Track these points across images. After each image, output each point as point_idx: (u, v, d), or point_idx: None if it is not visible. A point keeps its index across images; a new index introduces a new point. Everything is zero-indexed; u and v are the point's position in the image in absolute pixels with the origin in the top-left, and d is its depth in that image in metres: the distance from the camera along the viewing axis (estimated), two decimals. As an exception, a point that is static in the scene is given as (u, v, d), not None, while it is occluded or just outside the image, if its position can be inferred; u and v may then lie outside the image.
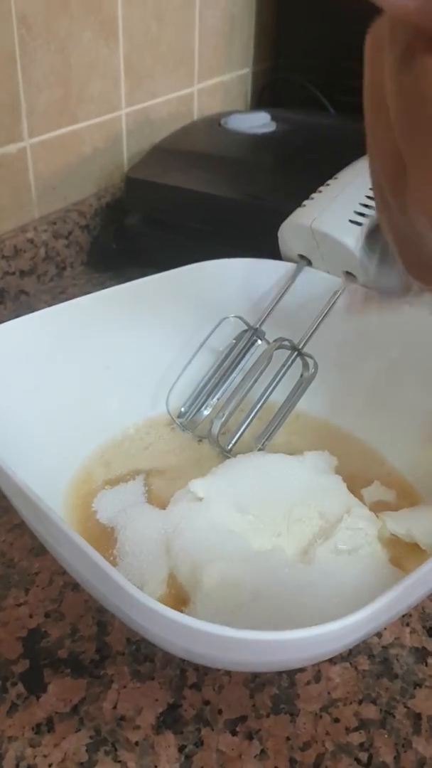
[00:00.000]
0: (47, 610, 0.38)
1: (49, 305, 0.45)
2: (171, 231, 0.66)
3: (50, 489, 0.40)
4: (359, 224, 0.45)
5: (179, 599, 0.35)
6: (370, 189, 0.45)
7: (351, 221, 0.44)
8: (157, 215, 0.67)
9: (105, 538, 0.39)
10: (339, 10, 0.83)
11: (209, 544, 0.35)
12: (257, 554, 0.35)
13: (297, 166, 0.65)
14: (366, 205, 0.45)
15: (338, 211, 0.45)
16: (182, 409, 0.48)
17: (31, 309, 0.44)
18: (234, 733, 0.33)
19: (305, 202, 0.47)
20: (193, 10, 0.79)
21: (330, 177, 0.48)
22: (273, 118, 0.73)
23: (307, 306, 0.48)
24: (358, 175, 0.46)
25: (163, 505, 0.40)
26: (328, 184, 0.47)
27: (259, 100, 0.93)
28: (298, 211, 0.47)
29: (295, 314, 0.49)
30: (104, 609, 0.37)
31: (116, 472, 0.44)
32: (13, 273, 0.63)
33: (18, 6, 0.59)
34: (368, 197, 0.45)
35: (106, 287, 0.47)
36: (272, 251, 0.50)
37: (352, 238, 0.44)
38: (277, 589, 0.33)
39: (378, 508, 0.40)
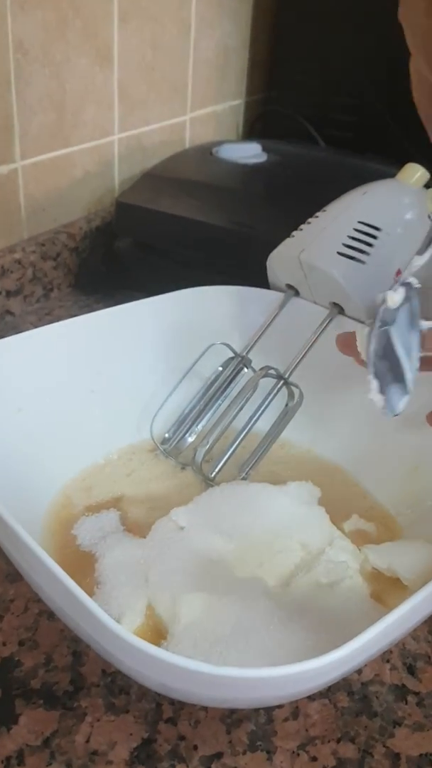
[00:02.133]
0: (21, 638, 0.37)
1: (35, 326, 0.44)
2: (160, 256, 0.66)
3: (29, 513, 0.40)
4: (347, 256, 0.45)
5: (157, 631, 0.34)
6: (359, 222, 0.46)
7: (339, 253, 0.45)
8: (147, 240, 0.67)
9: (84, 565, 0.38)
10: (332, 46, 0.85)
11: (189, 575, 0.35)
12: (238, 585, 0.35)
13: (286, 197, 0.66)
14: (354, 238, 0.45)
15: (326, 242, 0.45)
16: (166, 435, 0.47)
17: (17, 330, 0.44)
18: (209, 771, 0.32)
19: (294, 233, 0.47)
20: (189, 40, 0.80)
21: (319, 209, 0.49)
22: (264, 149, 0.74)
23: (294, 336, 0.48)
24: (347, 208, 0.47)
25: (143, 533, 0.39)
26: (317, 216, 0.47)
27: (251, 131, 0.94)
28: (287, 242, 0.47)
29: (282, 343, 0.49)
30: (80, 638, 0.36)
31: (98, 497, 0.43)
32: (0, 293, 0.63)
33: (15, 31, 0.59)
34: (356, 230, 0.45)
35: (93, 310, 0.47)
36: (260, 280, 0.50)
37: (340, 270, 0.44)
38: (257, 623, 0.32)
39: (359, 541, 0.39)
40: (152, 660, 0.25)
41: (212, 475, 0.44)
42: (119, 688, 0.35)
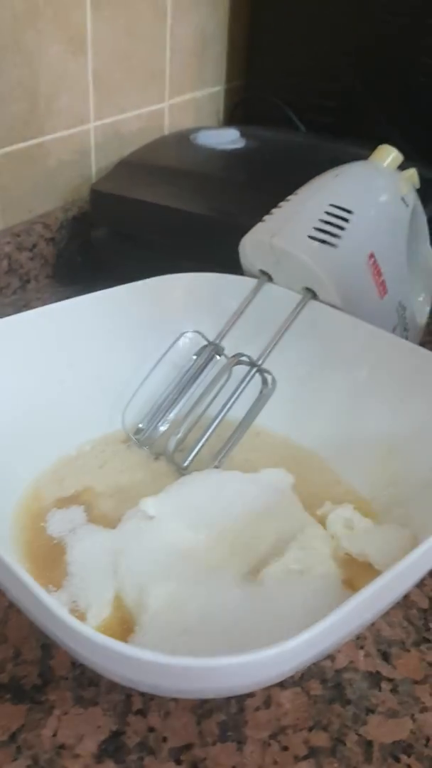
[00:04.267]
0: (-10, 632, 0.37)
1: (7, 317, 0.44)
2: (137, 245, 0.65)
3: (-1, 506, 0.39)
4: (319, 240, 0.44)
5: (125, 622, 0.33)
6: (330, 205, 0.45)
7: (310, 237, 0.44)
8: (123, 229, 0.66)
9: (53, 557, 0.38)
10: (312, 31, 0.84)
11: (158, 565, 0.34)
12: (207, 574, 0.34)
13: (264, 183, 0.65)
14: (326, 221, 0.45)
15: (297, 226, 0.44)
16: (139, 425, 0.47)
17: (-7, 322, 0.43)
18: (178, 762, 0.32)
19: (265, 217, 0.47)
20: (165, 26, 0.79)
21: (293, 192, 0.48)
22: (242, 135, 0.73)
23: (267, 322, 0.48)
24: (318, 191, 0.46)
25: (114, 525, 0.39)
26: (288, 200, 0.47)
27: (231, 118, 0.93)
28: (258, 227, 0.47)
29: (256, 330, 0.48)
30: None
31: (69, 489, 0.43)
32: (-26, 285, 0.62)
33: (-17, 17, 0.58)
34: (327, 213, 0.45)
35: (66, 300, 0.46)
36: (237, 267, 0.50)
37: (311, 254, 0.44)
38: (226, 611, 0.32)
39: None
40: (113, 654, 0.25)
41: (185, 464, 0.43)
42: (88, 681, 0.35)
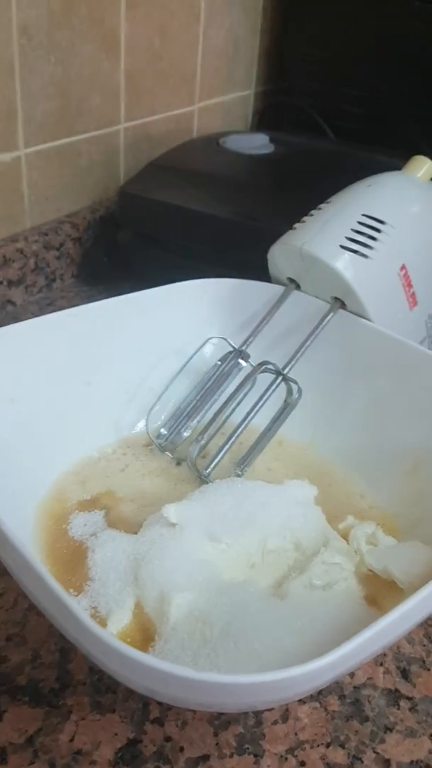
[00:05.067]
0: (9, 633, 0.37)
1: (36, 317, 0.44)
2: (163, 248, 0.65)
3: (21, 506, 0.39)
4: (350, 250, 0.44)
5: (145, 630, 0.33)
6: (362, 215, 0.45)
7: (342, 246, 0.44)
8: (150, 231, 0.66)
9: (75, 561, 0.38)
10: (343, 36, 0.84)
11: (179, 574, 0.34)
12: (228, 586, 0.34)
13: (292, 189, 0.65)
14: (358, 231, 0.44)
15: (329, 235, 0.44)
16: (162, 430, 0.46)
17: (18, 319, 0.43)
18: (195, 774, 0.32)
19: (296, 225, 0.46)
20: (198, 28, 0.79)
21: (325, 201, 0.48)
22: (272, 140, 0.73)
23: (294, 330, 0.47)
24: (351, 200, 0.46)
25: (135, 530, 0.39)
26: (320, 208, 0.46)
27: (260, 122, 0.93)
28: (289, 234, 0.46)
29: (282, 338, 0.48)
30: (68, 635, 0.35)
31: (91, 492, 0.42)
32: (1, 282, 0.62)
33: (19, 16, 0.58)
34: (360, 223, 0.44)
35: (95, 301, 0.46)
36: (263, 273, 0.50)
37: (342, 263, 0.43)
38: (248, 625, 0.31)
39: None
40: (136, 664, 0.25)
41: (207, 471, 0.43)
42: (106, 687, 0.34)
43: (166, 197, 0.64)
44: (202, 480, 0.43)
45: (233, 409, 0.45)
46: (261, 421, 0.45)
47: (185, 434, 0.45)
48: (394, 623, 0.26)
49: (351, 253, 0.44)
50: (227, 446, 0.43)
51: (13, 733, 0.32)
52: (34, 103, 0.62)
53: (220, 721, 0.33)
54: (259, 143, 0.72)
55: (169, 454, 0.45)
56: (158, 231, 0.65)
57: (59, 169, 0.67)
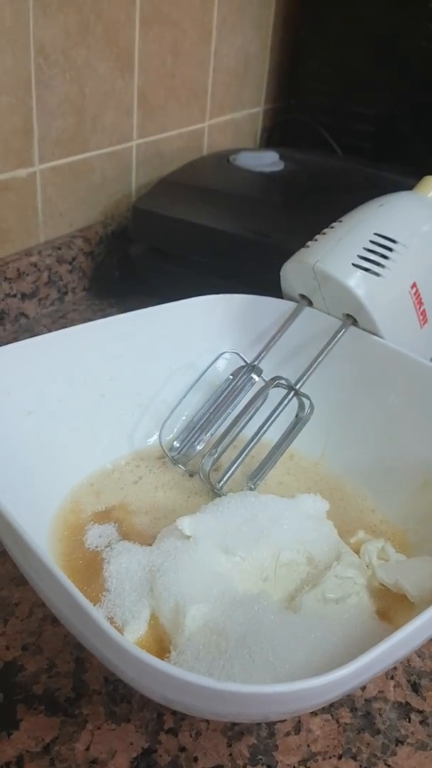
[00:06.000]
0: (25, 642, 0.37)
1: (49, 329, 0.45)
2: (174, 263, 0.66)
3: (37, 517, 0.40)
4: (362, 268, 0.45)
5: (160, 641, 0.34)
6: (374, 234, 0.46)
7: (354, 264, 0.45)
8: (162, 246, 0.67)
9: (90, 571, 0.38)
10: (353, 55, 0.85)
11: (194, 586, 0.34)
12: (243, 599, 0.34)
13: (303, 206, 0.66)
14: (370, 250, 0.45)
15: (342, 253, 0.45)
16: (175, 443, 0.47)
17: (30, 332, 0.44)
18: (209, 784, 0.32)
19: (309, 243, 0.47)
20: (209, 46, 0.80)
21: (335, 218, 0.48)
22: (281, 158, 0.74)
23: (306, 346, 0.48)
24: (363, 219, 0.46)
25: (149, 542, 0.39)
26: (332, 227, 0.47)
27: (269, 139, 0.94)
28: (302, 251, 0.47)
29: (294, 353, 0.49)
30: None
31: (105, 503, 0.43)
32: (15, 295, 0.63)
33: (37, 35, 0.59)
34: (372, 242, 0.45)
35: (107, 315, 0.47)
36: (274, 289, 0.50)
37: (355, 281, 0.44)
38: (262, 638, 0.32)
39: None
40: (154, 672, 0.25)
41: (220, 485, 0.43)
42: (121, 697, 0.35)
43: (178, 213, 0.65)
44: (215, 493, 0.43)
45: (246, 423, 0.46)
46: (273, 435, 0.46)
47: (198, 447, 0.46)
48: (408, 638, 0.26)
49: (363, 271, 0.45)
50: (240, 460, 0.44)
51: (29, 742, 0.33)
52: (50, 120, 0.63)
53: (234, 731, 0.34)
54: (269, 161, 0.73)
55: (182, 467, 0.46)
56: (169, 246, 0.66)
57: (73, 185, 0.68)
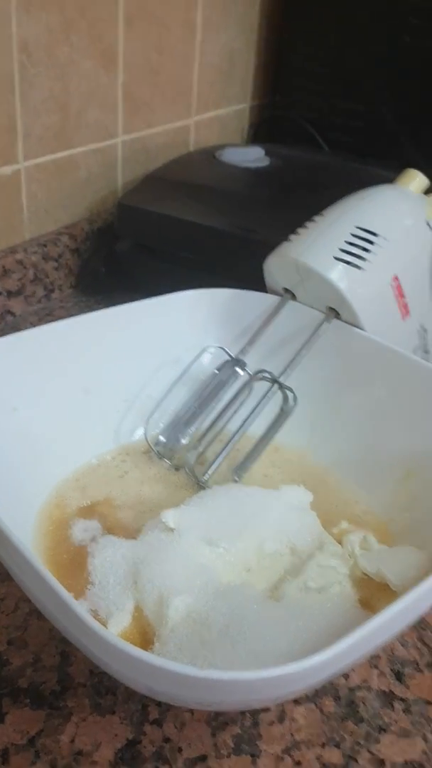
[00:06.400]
0: (10, 637, 0.37)
1: (36, 327, 0.45)
2: (161, 259, 0.66)
3: (22, 512, 0.40)
4: (344, 261, 0.45)
5: (144, 633, 0.34)
6: (356, 227, 0.46)
7: (336, 258, 0.45)
8: (148, 242, 0.67)
9: (75, 565, 0.38)
10: (339, 51, 0.85)
11: (177, 577, 0.35)
12: (226, 589, 0.34)
13: (288, 201, 0.66)
14: (352, 243, 0.45)
15: (323, 246, 0.45)
16: (160, 438, 0.47)
17: (17, 330, 0.44)
18: (193, 773, 0.32)
19: (291, 236, 0.48)
20: (194, 43, 0.80)
21: (319, 213, 0.49)
22: (267, 153, 0.74)
23: (290, 339, 0.48)
24: (344, 213, 0.47)
25: (134, 536, 0.39)
26: (314, 220, 0.48)
27: (256, 135, 0.94)
28: (284, 245, 0.47)
29: (278, 347, 0.49)
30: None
31: (90, 498, 0.43)
32: (1, 293, 0.63)
33: (19, 33, 0.59)
34: (353, 235, 0.45)
35: (93, 311, 0.47)
36: (261, 284, 0.51)
37: (336, 274, 0.44)
38: (245, 627, 0.32)
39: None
40: (136, 662, 0.25)
41: (205, 478, 0.44)
42: (106, 689, 0.35)
43: (163, 209, 0.65)
44: (201, 486, 0.44)
45: (230, 417, 0.46)
46: (258, 428, 0.46)
47: (183, 441, 0.46)
48: (387, 623, 0.27)
49: (345, 264, 0.45)
50: (224, 452, 0.44)
51: (15, 735, 0.33)
52: (34, 117, 0.63)
53: (218, 722, 0.34)
54: (254, 156, 0.73)
55: (168, 461, 0.46)
56: (156, 242, 0.66)
57: (58, 182, 0.68)
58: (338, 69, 0.86)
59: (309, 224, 0.48)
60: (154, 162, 0.76)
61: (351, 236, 0.45)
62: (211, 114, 0.87)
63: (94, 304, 0.69)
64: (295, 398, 0.46)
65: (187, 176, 0.71)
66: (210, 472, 0.44)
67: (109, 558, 0.37)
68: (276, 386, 0.46)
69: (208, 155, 0.74)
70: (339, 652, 0.25)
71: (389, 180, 0.51)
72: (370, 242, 0.45)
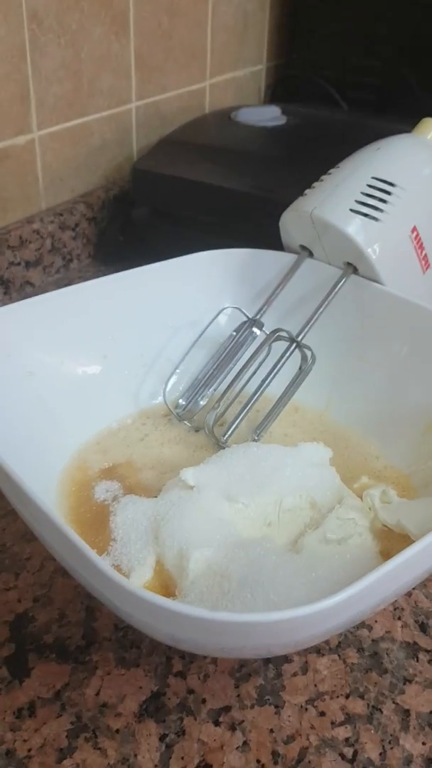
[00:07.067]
0: (36, 594, 0.38)
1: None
2: (178, 223, 0.65)
3: (44, 475, 0.40)
4: (361, 213, 0.44)
5: (166, 587, 0.34)
6: (372, 178, 0.45)
7: (352, 210, 0.44)
8: (165, 207, 0.67)
9: (98, 524, 0.39)
10: (352, 8, 0.83)
11: (198, 532, 0.35)
12: (245, 542, 0.35)
13: (306, 160, 0.64)
14: (368, 194, 0.44)
15: (340, 199, 0.44)
16: (180, 401, 0.47)
17: (36, 299, 0.44)
18: (217, 724, 0.32)
19: (306, 191, 0.47)
20: (206, 5, 0.79)
21: (335, 166, 0.48)
22: (284, 112, 0.73)
23: (308, 298, 0.48)
24: (360, 164, 0.46)
25: (155, 495, 0.39)
26: (330, 173, 0.47)
27: (272, 96, 0.93)
28: (300, 200, 0.47)
29: (296, 306, 0.48)
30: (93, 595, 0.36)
31: (112, 460, 0.44)
32: (19, 264, 0.63)
33: (28, 2, 0.59)
34: (370, 186, 0.44)
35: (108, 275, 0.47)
36: (279, 245, 0.50)
37: (353, 227, 0.43)
38: (264, 577, 0.32)
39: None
40: (158, 610, 0.26)
41: (224, 438, 0.43)
42: (130, 643, 0.36)
43: (178, 172, 0.64)
44: (220, 446, 0.44)
45: (249, 378, 0.46)
46: (277, 388, 0.45)
47: (202, 403, 0.46)
48: (403, 566, 0.27)
49: (362, 217, 0.44)
50: (244, 413, 0.44)
51: (41, 688, 0.34)
52: (47, 86, 0.63)
53: (241, 673, 0.34)
54: (271, 115, 0.72)
55: (188, 423, 0.46)
56: (172, 206, 0.66)
57: (73, 150, 0.68)
58: (353, 25, 0.84)
59: (324, 177, 0.47)
60: (169, 127, 0.76)
61: (367, 188, 0.44)
62: (227, 76, 0.86)
63: (112, 273, 0.68)
64: (313, 357, 0.45)
65: (202, 138, 0.70)
66: (229, 432, 0.44)
67: (131, 515, 0.37)
68: (294, 345, 0.45)
69: (224, 116, 0.73)
70: (354, 594, 0.25)
71: (407, 133, 0.50)
72: (388, 193, 0.44)
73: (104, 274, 0.68)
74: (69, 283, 0.67)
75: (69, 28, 0.64)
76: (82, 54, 0.66)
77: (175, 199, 0.65)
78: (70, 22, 0.63)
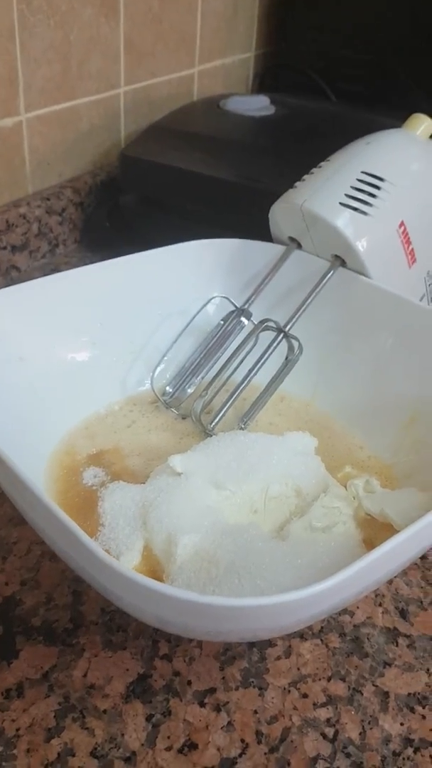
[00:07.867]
0: (23, 578, 0.38)
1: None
2: (165, 210, 0.65)
3: (33, 459, 0.40)
4: (350, 207, 0.45)
5: (153, 571, 0.35)
6: (362, 172, 0.46)
7: (341, 203, 0.44)
8: (152, 194, 0.67)
9: (86, 509, 0.39)
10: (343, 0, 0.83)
11: (185, 518, 0.35)
12: (232, 529, 0.35)
13: (294, 150, 0.65)
14: (357, 188, 0.45)
15: (329, 192, 0.45)
16: (167, 388, 0.48)
17: (22, 285, 0.44)
18: (202, 705, 0.33)
19: (297, 183, 0.47)
20: (197, -10, 0.78)
21: (325, 159, 0.48)
22: (272, 102, 0.73)
23: (296, 289, 0.48)
24: (350, 158, 0.46)
25: (142, 482, 0.40)
26: (320, 166, 0.47)
27: (261, 85, 0.93)
28: (290, 192, 0.47)
29: (284, 296, 0.49)
30: (81, 579, 0.37)
31: (100, 446, 0.44)
32: (5, 248, 0.63)
33: (18, -22, 0.58)
34: (359, 180, 0.45)
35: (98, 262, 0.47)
36: (266, 234, 0.50)
37: (342, 220, 0.44)
38: (250, 563, 0.33)
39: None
40: (146, 591, 0.26)
41: (211, 426, 0.44)
42: (117, 626, 0.36)
43: (166, 160, 0.64)
44: (207, 434, 0.44)
45: (236, 367, 0.46)
46: (263, 377, 0.46)
47: (189, 391, 0.47)
48: (387, 555, 0.27)
49: (351, 210, 0.44)
50: (231, 401, 0.45)
51: (29, 669, 0.34)
52: (35, 68, 0.62)
53: (226, 656, 0.35)
54: (259, 105, 0.72)
55: (175, 410, 0.47)
56: (160, 193, 0.66)
57: (60, 134, 0.68)
58: (343, 16, 0.84)
59: (315, 170, 0.47)
60: (157, 113, 0.75)
61: (357, 182, 0.45)
62: (216, 63, 0.85)
63: (98, 260, 0.67)
64: (300, 347, 0.46)
65: (190, 126, 0.70)
66: (216, 420, 0.44)
67: (119, 501, 0.38)
68: (281, 335, 0.46)
69: (212, 104, 0.73)
70: (339, 582, 0.26)
71: (396, 127, 0.50)
72: (377, 188, 0.45)
73: (90, 260, 0.68)
74: (55, 268, 0.67)
75: (59, 8, 0.63)
76: (71, 36, 0.65)
77: (162, 186, 0.65)
78: (59, 2, 0.63)
